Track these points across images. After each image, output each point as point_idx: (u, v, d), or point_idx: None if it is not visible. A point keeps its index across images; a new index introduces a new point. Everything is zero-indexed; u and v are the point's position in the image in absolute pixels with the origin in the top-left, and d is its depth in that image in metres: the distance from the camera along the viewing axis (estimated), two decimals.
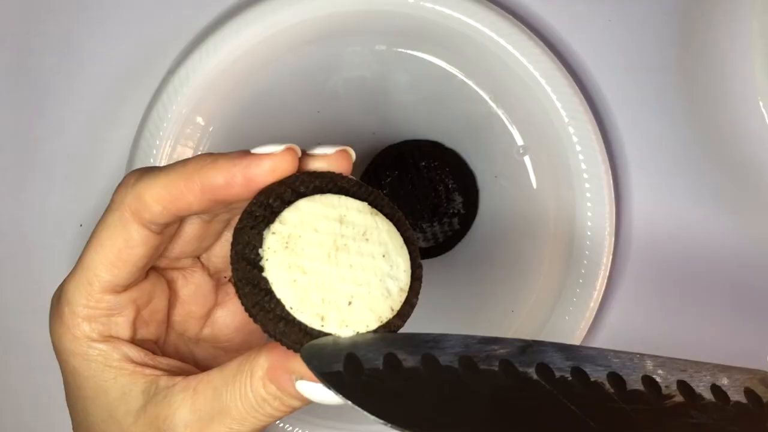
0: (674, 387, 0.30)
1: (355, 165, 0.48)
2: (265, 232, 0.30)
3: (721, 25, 0.48)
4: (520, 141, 0.47)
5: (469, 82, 0.47)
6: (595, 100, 0.48)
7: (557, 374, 0.29)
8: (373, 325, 0.30)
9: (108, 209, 0.32)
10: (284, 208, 0.30)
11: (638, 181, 0.48)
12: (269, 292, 0.30)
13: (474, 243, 0.48)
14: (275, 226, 0.30)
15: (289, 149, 0.31)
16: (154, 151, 0.45)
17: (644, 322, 0.48)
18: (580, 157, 0.45)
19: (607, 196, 0.45)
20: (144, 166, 0.45)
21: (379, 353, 0.29)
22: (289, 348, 0.30)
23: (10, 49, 0.49)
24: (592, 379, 0.30)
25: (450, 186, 0.48)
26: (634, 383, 0.30)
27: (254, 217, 0.30)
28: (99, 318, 0.32)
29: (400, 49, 0.47)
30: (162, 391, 0.32)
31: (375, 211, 0.31)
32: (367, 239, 0.31)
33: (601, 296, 0.45)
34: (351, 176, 0.33)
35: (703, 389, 0.31)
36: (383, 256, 0.31)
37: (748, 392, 0.32)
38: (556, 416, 0.29)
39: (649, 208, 0.48)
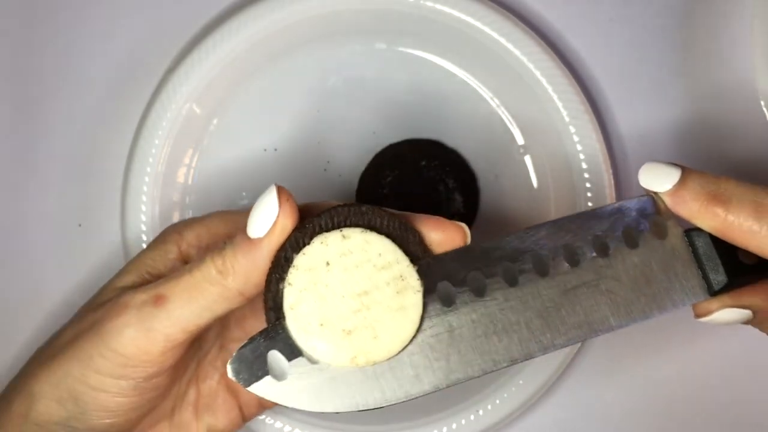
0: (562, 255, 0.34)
1: (356, 165, 0.48)
2: (336, 230, 0.32)
3: (722, 24, 0.48)
4: (520, 140, 0.47)
5: (470, 81, 0.47)
6: (595, 99, 0.48)
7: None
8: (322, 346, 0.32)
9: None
10: (380, 229, 0.33)
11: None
12: (302, 245, 0.32)
13: None
14: (349, 230, 0.32)
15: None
16: (154, 151, 0.45)
17: None
18: (581, 156, 0.45)
19: (609, 196, 0.45)
20: (143, 165, 0.45)
21: None
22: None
23: (8, 49, 0.48)
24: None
25: (450, 186, 0.47)
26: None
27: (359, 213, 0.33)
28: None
29: (400, 48, 0.47)
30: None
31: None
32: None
33: None
34: None
35: (586, 248, 0.34)
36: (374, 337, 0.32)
37: (626, 234, 0.34)
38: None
39: None
